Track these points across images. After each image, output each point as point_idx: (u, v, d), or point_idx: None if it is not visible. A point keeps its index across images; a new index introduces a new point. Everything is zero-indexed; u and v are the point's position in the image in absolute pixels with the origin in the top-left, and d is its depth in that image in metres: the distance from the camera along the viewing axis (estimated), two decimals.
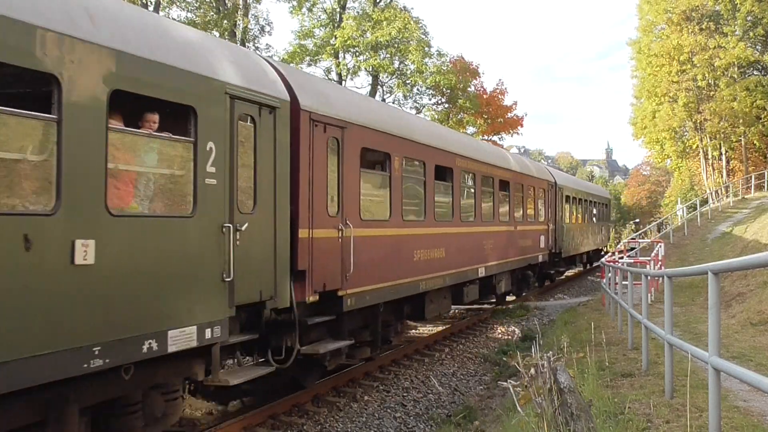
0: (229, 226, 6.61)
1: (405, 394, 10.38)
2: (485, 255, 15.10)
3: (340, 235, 8.79)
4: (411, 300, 11.74)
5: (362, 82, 66.66)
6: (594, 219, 31.47)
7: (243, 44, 29.64)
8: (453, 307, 15.84)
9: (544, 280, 24.57)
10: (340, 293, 8.79)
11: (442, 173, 13.08)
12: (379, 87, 35.12)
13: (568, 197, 24.78)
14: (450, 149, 13.30)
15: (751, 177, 39.68)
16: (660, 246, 20.56)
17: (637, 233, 36.48)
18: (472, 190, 14.75)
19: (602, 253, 33.21)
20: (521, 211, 18.55)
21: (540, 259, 20.54)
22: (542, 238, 20.65)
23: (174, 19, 26.01)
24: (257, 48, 32.57)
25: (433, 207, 12.13)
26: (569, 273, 30.12)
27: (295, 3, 33.25)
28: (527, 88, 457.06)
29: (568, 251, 24.62)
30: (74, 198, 4.94)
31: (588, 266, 32.78)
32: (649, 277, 9.29)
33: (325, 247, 8.41)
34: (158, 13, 27.27)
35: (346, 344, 9.19)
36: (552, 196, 22.17)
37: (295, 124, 7.92)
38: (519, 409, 5.49)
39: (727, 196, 38.82)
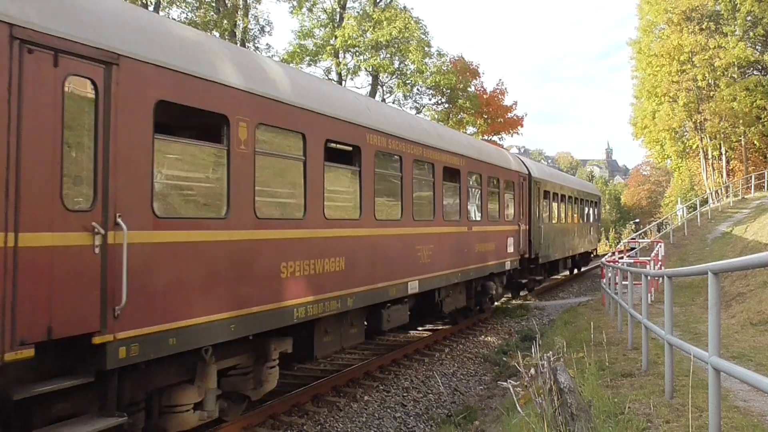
0: None
1: (405, 394, 10.38)
2: (420, 264, 11.59)
3: (97, 242, 5.38)
4: (290, 333, 8.30)
5: (362, 82, 66.76)
6: (581, 218, 28.57)
7: (243, 44, 29.65)
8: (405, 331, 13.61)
9: (520, 290, 20.95)
10: (97, 339, 5.39)
11: (342, 154, 9.76)
12: (379, 87, 35.13)
13: (547, 193, 21.68)
14: (357, 120, 9.55)
15: (751, 177, 39.68)
16: (660, 246, 20.57)
17: (637, 233, 36.45)
18: (397, 179, 10.97)
19: (592, 256, 31.63)
20: (480, 209, 15.13)
21: (508, 266, 16.99)
22: (511, 240, 17.21)
23: (174, 20, 26.05)
24: (257, 48, 32.59)
25: (321, 201, 8.47)
26: (557, 277, 27.34)
27: (295, 3, 33.25)
28: (527, 88, 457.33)
29: (547, 256, 21.33)
30: None
31: (575, 271, 30.51)
32: (649, 277, 9.29)
33: (55, 262, 5.06)
34: (158, 12, 27.28)
35: (110, 425, 5.54)
36: (525, 190, 18.90)
37: None
38: (519, 409, 5.49)
39: (727, 196, 38.82)
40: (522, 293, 21.75)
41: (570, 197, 25.57)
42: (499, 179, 16.40)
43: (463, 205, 13.89)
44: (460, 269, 13.61)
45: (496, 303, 18.39)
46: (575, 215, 27.01)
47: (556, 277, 26.79)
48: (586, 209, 29.83)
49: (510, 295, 21.08)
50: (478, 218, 14.94)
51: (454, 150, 13.49)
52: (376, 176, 10.10)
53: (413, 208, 11.38)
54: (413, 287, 11.33)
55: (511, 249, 17.25)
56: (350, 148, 9.74)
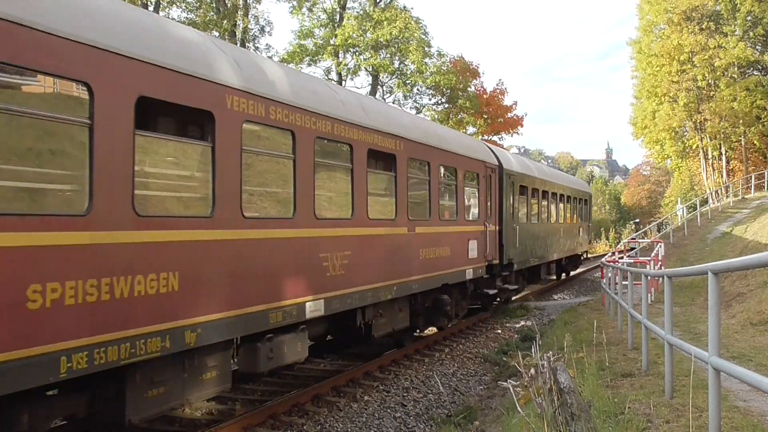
0: None
1: (405, 394, 10.37)
2: (328, 278, 8.73)
3: None
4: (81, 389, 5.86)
5: (362, 81, 66.78)
6: (569, 218, 25.82)
7: (243, 44, 29.66)
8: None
9: (493, 301, 17.88)
10: None
11: (186, 123, 6.90)
12: (379, 87, 35.14)
13: (525, 189, 19.00)
14: (213, 77, 6.78)
15: (751, 177, 39.69)
16: (660, 246, 20.57)
17: (637, 233, 36.44)
18: (287, 162, 8.01)
19: (582, 258, 29.57)
20: (428, 205, 12.19)
21: (469, 275, 14.16)
22: (474, 244, 14.42)
23: (174, 20, 26.04)
24: (257, 48, 32.61)
25: (130, 189, 5.71)
26: (536, 286, 23.72)
27: (295, 3, 33.26)
28: (527, 88, 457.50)
29: (524, 261, 18.70)
30: None
31: (563, 276, 28.18)
32: (649, 277, 9.29)
33: None
34: (158, 13, 27.29)
35: None
36: (494, 184, 16.05)
37: None
38: (519, 409, 5.49)
39: (727, 196, 38.83)
40: (496, 303, 18.52)
41: (555, 194, 23.00)
42: (456, 170, 13.52)
43: (401, 200, 10.90)
44: (397, 281, 10.63)
45: (455, 320, 14.94)
46: (561, 214, 24.26)
47: (535, 286, 23.61)
48: (575, 208, 27.11)
49: (489, 305, 18.05)
50: (426, 217, 12.03)
51: (386, 129, 10.39)
52: (245, 155, 7.12)
53: (315, 202, 8.45)
54: (314, 309, 8.36)
55: (473, 254, 14.39)
56: (198, 117, 6.70)
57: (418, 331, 13.72)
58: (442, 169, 12.82)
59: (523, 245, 18.37)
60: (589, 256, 34.36)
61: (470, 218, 14.60)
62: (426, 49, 33.30)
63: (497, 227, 16.27)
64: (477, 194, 15.01)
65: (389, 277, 10.41)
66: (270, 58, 27.23)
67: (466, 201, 14.32)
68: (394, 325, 11.39)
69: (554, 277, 26.85)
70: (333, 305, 8.83)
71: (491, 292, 16.40)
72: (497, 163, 16.61)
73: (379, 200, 10.63)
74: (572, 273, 29.64)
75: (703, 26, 40.79)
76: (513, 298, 20.03)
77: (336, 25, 33.34)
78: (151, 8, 27.34)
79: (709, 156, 44.31)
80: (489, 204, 15.70)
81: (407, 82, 34.33)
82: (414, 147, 11.48)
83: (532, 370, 5.15)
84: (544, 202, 21.66)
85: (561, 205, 24.18)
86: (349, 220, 9.36)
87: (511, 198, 17.50)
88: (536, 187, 20.40)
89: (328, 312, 8.73)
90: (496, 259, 16.11)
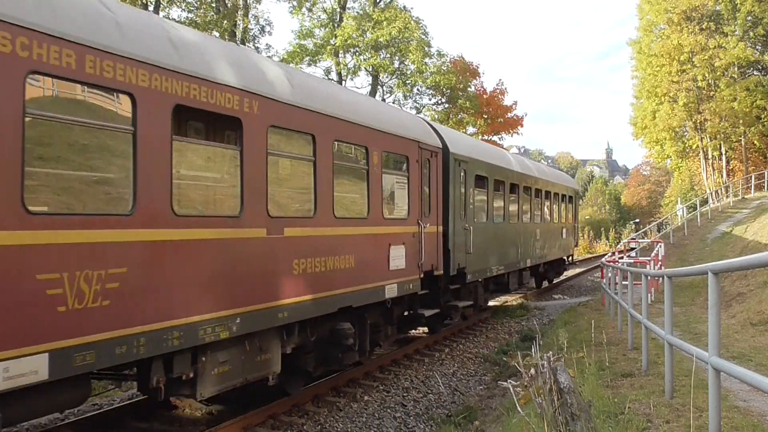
0: None
1: (405, 394, 10.38)
2: (60, 317, 5.11)
3: None
4: None
5: (362, 82, 66.78)
6: (548, 217, 21.65)
7: (243, 44, 29.66)
8: None
9: (443, 320, 14.41)
10: None
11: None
12: (379, 87, 35.15)
13: (484, 180, 15.23)
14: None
15: (751, 177, 39.71)
16: (660, 246, 20.57)
17: (637, 233, 36.44)
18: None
19: (568, 263, 26.02)
20: (313, 197, 8.57)
21: (391, 292, 10.53)
22: (400, 251, 10.90)
23: (174, 20, 26.04)
24: (257, 48, 32.60)
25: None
26: (507, 298, 20.74)
27: (295, 3, 33.27)
28: (527, 88, 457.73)
29: (483, 270, 14.97)
30: None
31: (544, 284, 24.53)
32: (649, 277, 9.29)
33: None
34: (158, 13, 27.29)
35: None
36: (436, 172, 12.54)
37: None
38: (519, 409, 5.49)
39: (727, 196, 38.84)
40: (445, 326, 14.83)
41: (529, 188, 19.14)
42: (368, 150, 9.91)
43: (253, 187, 7.30)
44: (242, 310, 7.10)
45: (372, 355, 11.38)
46: (539, 213, 20.41)
47: (506, 297, 20.74)
48: (556, 205, 23.02)
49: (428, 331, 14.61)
50: (307, 214, 8.46)
51: (220, 79, 6.85)
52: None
53: (144, 189, 5.89)
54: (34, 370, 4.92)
55: (399, 263, 10.79)
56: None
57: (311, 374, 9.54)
58: (337, 147, 9.09)
59: (480, 250, 14.52)
60: (575, 260, 30.07)
61: (392, 216, 10.80)
62: (426, 49, 33.30)
63: (441, 228, 12.64)
64: (406, 184, 11.27)
65: (226, 304, 6.88)
66: (270, 57, 27.22)
67: (384, 192, 10.46)
68: (248, 373, 7.61)
69: (533, 286, 23.21)
70: (131, 350, 5.71)
71: (428, 313, 12.41)
72: (440, 145, 12.72)
73: (202, 186, 7.34)
74: (556, 280, 25.89)
75: (703, 26, 40.80)
76: (477, 312, 16.47)
77: (336, 25, 33.35)
78: (151, 8, 27.34)
79: (709, 156, 44.32)
80: (427, 197, 12.10)
81: (407, 82, 34.34)
82: (280, 111, 7.84)
83: (532, 370, 5.14)
84: (514, 197, 17.64)
85: (539, 201, 20.37)
86: (127, 217, 5.78)
87: (463, 190, 13.69)
88: (501, 178, 16.46)
89: (125, 358, 5.69)
90: (439, 268, 12.48)
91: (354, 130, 9.55)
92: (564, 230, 24.23)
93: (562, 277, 27.23)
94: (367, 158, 9.97)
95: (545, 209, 21.40)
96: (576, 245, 28.79)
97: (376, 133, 10.21)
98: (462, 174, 13.75)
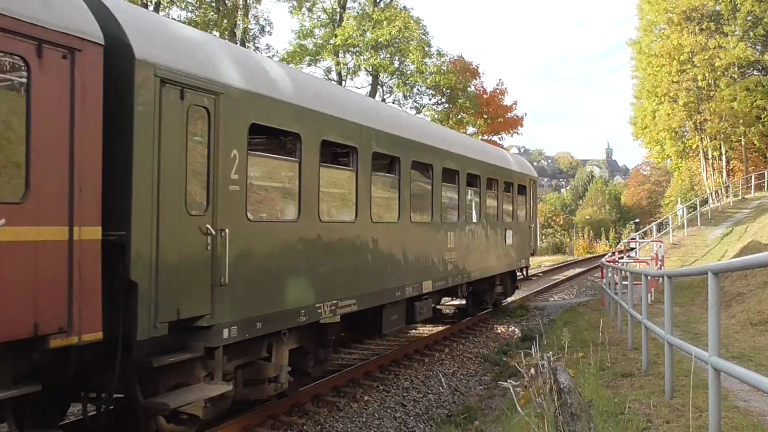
0: None
1: (405, 394, 10.38)
2: None
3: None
4: None
5: (362, 81, 66.76)
6: (478, 214, 14.94)
7: (243, 44, 29.65)
8: None
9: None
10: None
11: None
12: (379, 87, 35.14)
13: (296, 138, 8.16)
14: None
15: (751, 177, 39.71)
16: (660, 246, 20.57)
17: (637, 233, 36.43)
18: None
19: (521, 276, 19.48)
20: None
21: None
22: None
23: (174, 19, 26.00)
24: (257, 48, 32.60)
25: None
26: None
27: (295, 3, 33.27)
28: (527, 88, 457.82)
29: (276, 313, 7.54)
30: None
31: (490, 308, 17.68)
32: (649, 277, 9.29)
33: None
34: (158, 12, 27.29)
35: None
36: (58, 89, 5.08)
37: None
38: (519, 409, 5.49)
39: (727, 196, 38.83)
40: None
41: (427, 166, 12.15)
42: None
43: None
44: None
45: None
46: (455, 206, 13.61)
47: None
48: (495, 197, 16.12)
49: None
50: None
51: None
52: None
53: None
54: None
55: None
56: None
57: None
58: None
59: (268, 275, 7.59)
60: (530, 273, 22.81)
61: None
62: (426, 49, 33.30)
63: (93, 231, 5.41)
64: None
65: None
66: (270, 57, 27.21)
67: None
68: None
69: (451, 316, 16.88)
70: None
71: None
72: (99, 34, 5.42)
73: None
74: (506, 300, 19.07)
75: (703, 26, 40.79)
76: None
77: (336, 25, 33.35)
78: (151, 8, 27.34)
79: (709, 156, 44.31)
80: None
81: (407, 82, 34.33)
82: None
83: (532, 370, 5.14)
84: (385, 178, 10.68)
85: (455, 188, 13.50)
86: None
87: (207, 153, 6.62)
88: (346, 140, 9.32)
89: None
90: (82, 329, 5.21)
91: None
92: (510, 233, 17.07)
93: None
94: None
95: (472, 202, 14.64)
96: (533, 252, 19.87)
97: None
98: (176, 113, 6.21)
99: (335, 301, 8.74)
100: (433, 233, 12.35)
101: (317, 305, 8.36)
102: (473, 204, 14.71)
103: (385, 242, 10.33)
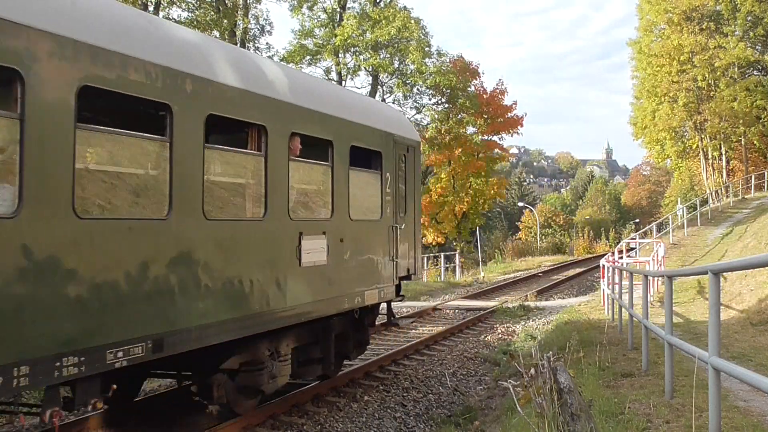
0: None
1: (405, 394, 10.37)
2: None
3: None
4: None
5: (362, 81, 66.74)
6: (285, 205, 7.43)
7: (243, 44, 29.66)
8: None
9: None
10: None
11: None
12: (379, 87, 35.14)
13: None
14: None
15: (751, 177, 39.71)
16: (660, 246, 20.56)
17: (637, 233, 36.41)
18: None
19: (376, 314, 10.84)
20: None
21: None
22: None
23: (173, 19, 26.01)
24: (257, 48, 32.61)
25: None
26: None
27: (295, 3, 33.28)
28: (527, 88, 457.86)
29: None
30: None
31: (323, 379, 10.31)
32: (649, 277, 9.29)
33: None
34: (158, 13, 27.29)
35: None
36: None
37: None
38: (519, 409, 5.49)
39: (727, 196, 38.82)
40: None
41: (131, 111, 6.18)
42: None
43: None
44: None
45: None
46: (210, 194, 6.43)
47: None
48: (327, 173, 8.39)
49: None
50: None
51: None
52: None
53: None
54: None
55: None
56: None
57: None
58: None
59: None
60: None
61: None
62: (426, 48, 33.31)
63: None
64: None
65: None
66: (270, 57, 27.24)
67: None
68: None
69: None
70: None
71: None
72: None
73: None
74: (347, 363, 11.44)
75: (703, 26, 40.79)
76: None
77: (336, 24, 33.36)
78: (151, 8, 27.33)
79: (709, 156, 44.30)
80: None
81: (407, 82, 34.33)
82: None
83: (532, 370, 5.14)
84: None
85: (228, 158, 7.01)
86: None
87: None
88: None
89: None
90: None
91: None
92: (317, 242, 8.21)
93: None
94: None
95: (275, 184, 7.33)
96: (414, 272, 11.08)
97: None
98: None
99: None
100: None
101: None
102: (277, 187, 7.34)
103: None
